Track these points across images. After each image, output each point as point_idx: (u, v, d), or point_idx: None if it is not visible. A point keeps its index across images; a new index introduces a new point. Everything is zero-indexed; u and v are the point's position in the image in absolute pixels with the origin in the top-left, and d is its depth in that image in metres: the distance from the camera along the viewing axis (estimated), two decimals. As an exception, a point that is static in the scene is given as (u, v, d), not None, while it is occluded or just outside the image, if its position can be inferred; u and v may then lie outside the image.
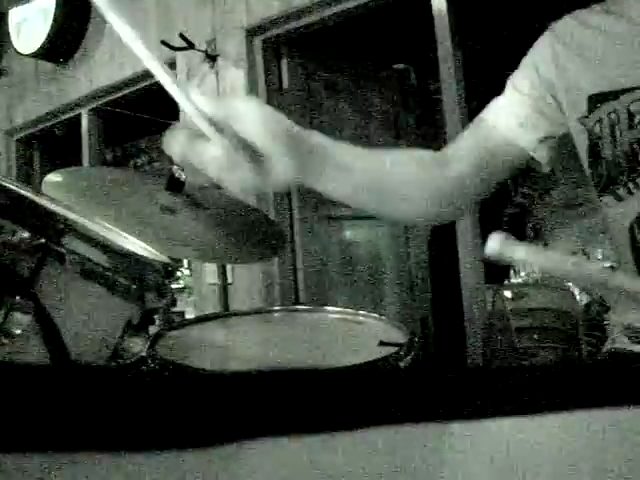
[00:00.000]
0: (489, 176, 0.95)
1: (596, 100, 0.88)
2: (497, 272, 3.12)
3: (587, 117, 0.89)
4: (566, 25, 0.96)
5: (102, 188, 1.26)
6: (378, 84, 3.22)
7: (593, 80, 0.88)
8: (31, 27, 3.51)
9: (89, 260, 0.68)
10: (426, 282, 3.35)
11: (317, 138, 0.80)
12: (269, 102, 2.69)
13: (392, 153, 0.93)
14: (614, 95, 0.86)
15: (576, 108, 0.91)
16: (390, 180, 0.89)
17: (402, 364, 0.96)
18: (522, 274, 3.40)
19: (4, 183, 0.66)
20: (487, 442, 0.26)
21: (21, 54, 3.64)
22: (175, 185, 1.25)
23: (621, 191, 0.87)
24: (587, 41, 0.92)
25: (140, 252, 0.81)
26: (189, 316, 3.20)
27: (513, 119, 0.93)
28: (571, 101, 0.91)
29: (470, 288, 2.29)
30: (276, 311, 1.44)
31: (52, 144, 4.17)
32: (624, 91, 0.85)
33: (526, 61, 0.99)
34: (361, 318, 1.24)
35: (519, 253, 0.61)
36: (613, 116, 0.86)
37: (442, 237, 3.12)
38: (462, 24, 2.33)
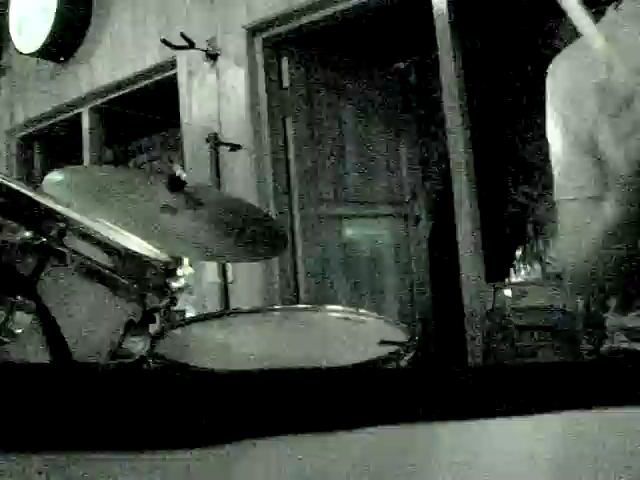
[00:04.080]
0: None
1: None
2: (497, 270, 3.12)
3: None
4: (563, 66, 0.97)
5: (103, 187, 1.26)
6: (379, 83, 3.22)
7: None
8: (32, 26, 3.51)
9: (90, 259, 0.68)
10: (426, 281, 3.35)
11: None
12: (269, 101, 2.69)
13: None
14: None
15: (593, 142, 0.90)
16: None
17: (402, 363, 0.96)
18: (522, 273, 3.40)
19: (5, 182, 0.66)
20: (488, 440, 0.26)
21: (22, 53, 3.63)
22: (176, 184, 1.25)
23: None
24: (584, 77, 0.91)
25: (141, 251, 0.81)
26: (190, 315, 3.20)
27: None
28: (589, 137, 0.91)
29: (470, 286, 2.29)
30: (277, 310, 1.44)
31: (53, 143, 4.17)
32: None
33: (552, 113, 0.99)
34: (362, 317, 1.24)
35: None
36: None
37: (442, 235, 3.12)
38: (462, 23, 2.33)
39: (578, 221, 0.94)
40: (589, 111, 0.89)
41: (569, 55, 0.98)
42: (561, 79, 0.96)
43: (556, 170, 0.99)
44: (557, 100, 0.96)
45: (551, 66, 0.99)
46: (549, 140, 1.01)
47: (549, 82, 0.99)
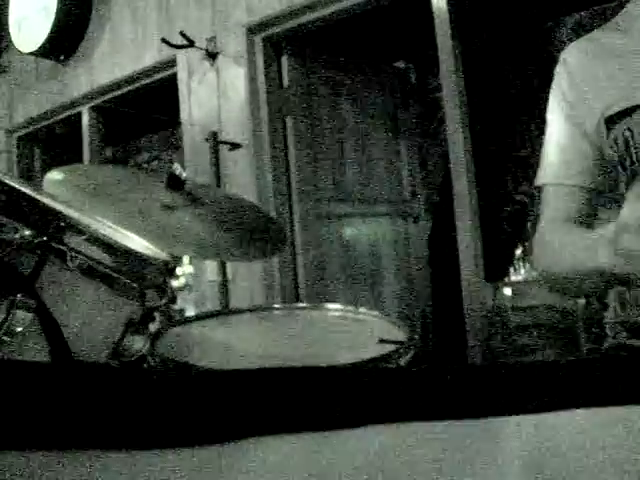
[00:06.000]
0: None
1: (611, 121, 0.88)
2: (497, 269, 3.12)
3: (606, 139, 0.89)
4: (575, 54, 0.97)
5: (103, 186, 1.26)
6: (378, 82, 3.21)
7: (607, 102, 0.88)
8: (32, 25, 3.51)
9: (90, 258, 0.68)
10: (426, 279, 3.35)
11: None
12: (269, 100, 2.69)
13: None
14: (627, 113, 0.85)
15: (598, 132, 0.91)
16: None
17: (402, 362, 0.96)
18: (522, 272, 3.40)
19: (5, 180, 0.67)
20: (489, 439, 0.26)
21: (22, 52, 3.63)
22: (175, 183, 1.25)
23: None
24: (596, 66, 0.91)
25: (141, 250, 0.81)
26: (189, 314, 3.20)
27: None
28: (593, 127, 0.91)
29: (470, 285, 2.29)
30: (276, 309, 1.44)
31: (53, 142, 4.17)
32: (636, 107, 0.84)
33: (556, 106, 0.98)
34: (361, 316, 1.24)
35: None
36: (627, 133, 0.85)
37: (442, 234, 3.12)
38: (462, 22, 2.33)
39: (568, 208, 0.93)
40: (597, 101, 0.89)
41: (582, 44, 0.98)
42: (572, 65, 0.96)
43: (552, 153, 0.98)
44: (565, 85, 0.96)
45: (563, 53, 0.99)
46: (548, 121, 1.00)
47: (559, 67, 0.98)
